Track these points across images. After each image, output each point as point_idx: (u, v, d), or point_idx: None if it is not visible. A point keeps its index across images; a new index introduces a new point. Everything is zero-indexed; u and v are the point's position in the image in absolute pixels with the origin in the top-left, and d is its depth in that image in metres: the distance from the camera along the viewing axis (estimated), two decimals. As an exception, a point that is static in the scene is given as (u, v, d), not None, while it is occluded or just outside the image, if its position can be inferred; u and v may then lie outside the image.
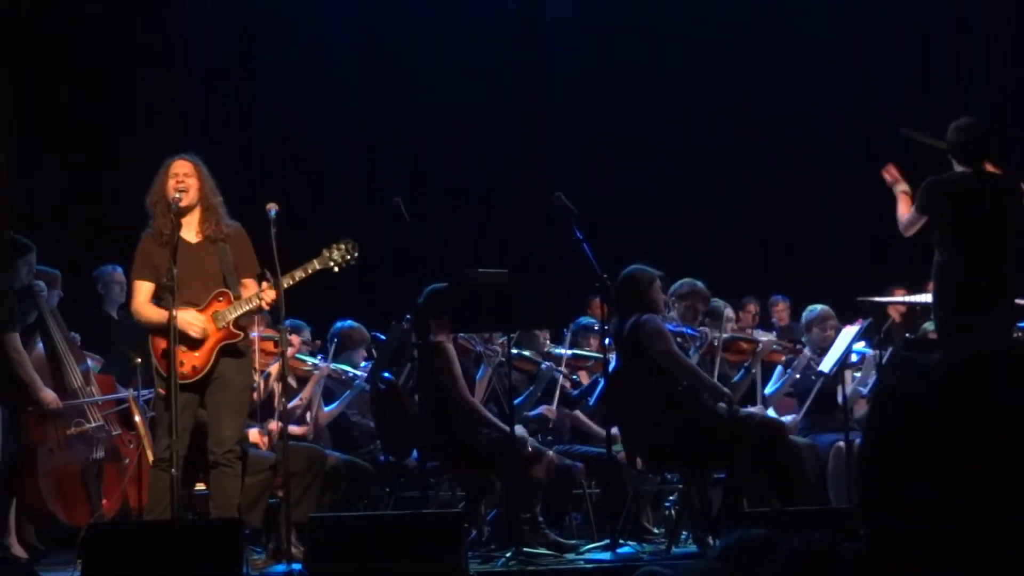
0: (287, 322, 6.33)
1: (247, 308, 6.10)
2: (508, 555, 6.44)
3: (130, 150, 9.94)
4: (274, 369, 7.05)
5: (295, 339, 7.31)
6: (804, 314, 8.47)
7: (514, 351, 7.34)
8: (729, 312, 8.31)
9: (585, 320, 8.70)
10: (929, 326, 7.75)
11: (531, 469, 6.89)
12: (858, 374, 8.18)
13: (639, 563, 6.32)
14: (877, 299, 8.46)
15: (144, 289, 6.14)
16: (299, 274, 6.09)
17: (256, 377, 7.01)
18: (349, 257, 6.23)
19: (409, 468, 7.41)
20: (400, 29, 11.63)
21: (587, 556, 6.82)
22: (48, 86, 9.85)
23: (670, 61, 11.93)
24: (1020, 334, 6.93)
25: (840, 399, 7.80)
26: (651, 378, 6.84)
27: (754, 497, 6.91)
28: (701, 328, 7.56)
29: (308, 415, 7.65)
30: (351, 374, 7.83)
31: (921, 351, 7.34)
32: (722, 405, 7.04)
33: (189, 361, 6.03)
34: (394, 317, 8.05)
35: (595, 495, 7.90)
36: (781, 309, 10.44)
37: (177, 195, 6.06)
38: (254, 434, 7.02)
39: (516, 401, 7.23)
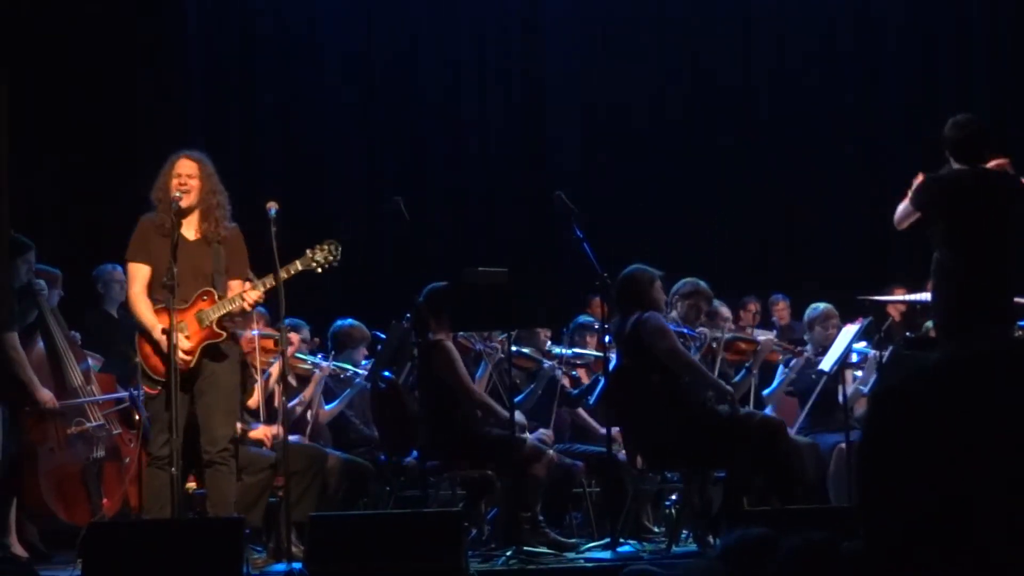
0: (286, 321, 6.33)
1: (229, 308, 6.10)
2: (508, 554, 6.44)
3: (130, 150, 9.94)
4: (275, 369, 7.05)
5: (295, 337, 7.31)
6: (807, 312, 8.48)
7: (513, 348, 7.34)
8: (726, 311, 8.31)
9: (583, 319, 8.71)
10: (930, 324, 7.75)
11: (531, 468, 6.90)
12: (859, 373, 8.19)
13: (639, 562, 6.33)
14: (877, 298, 8.47)
15: (141, 274, 6.12)
16: (282, 275, 6.04)
17: (257, 377, 7.02)
18: (332, 258, 6.20)
19: (409, 467, 7.41)
20: (400, 29, 11.63)
21: (587, 555, 6.82)
22: (48, 86, 9.85)
23: (670, 61, 11.93)
24: (1020, 333, 6.93)
25: (840, 398, 7.80)
26: (652, 377, 6.84)
27: (754, 496, 6.91)
28: (700, 329, 7.56)
29: (309, 414, 7.66)
30: (351, 372, 7.84)
31: (921, 350, 7.34)
32: (723, 405, 7.04)
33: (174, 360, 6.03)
34: (394, 316, 8.06)
35: (595, 494, 7.90)
36: (781, 308, 10.44)
37: (178, 195, 6.07)
38: (260, 431, 7.00)
39: (516, 399, 7.24)
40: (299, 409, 7.49)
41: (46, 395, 7.04)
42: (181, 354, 5.98)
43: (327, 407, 7.83)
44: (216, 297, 6.11)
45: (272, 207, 6.21)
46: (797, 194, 11.69)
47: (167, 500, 5.97)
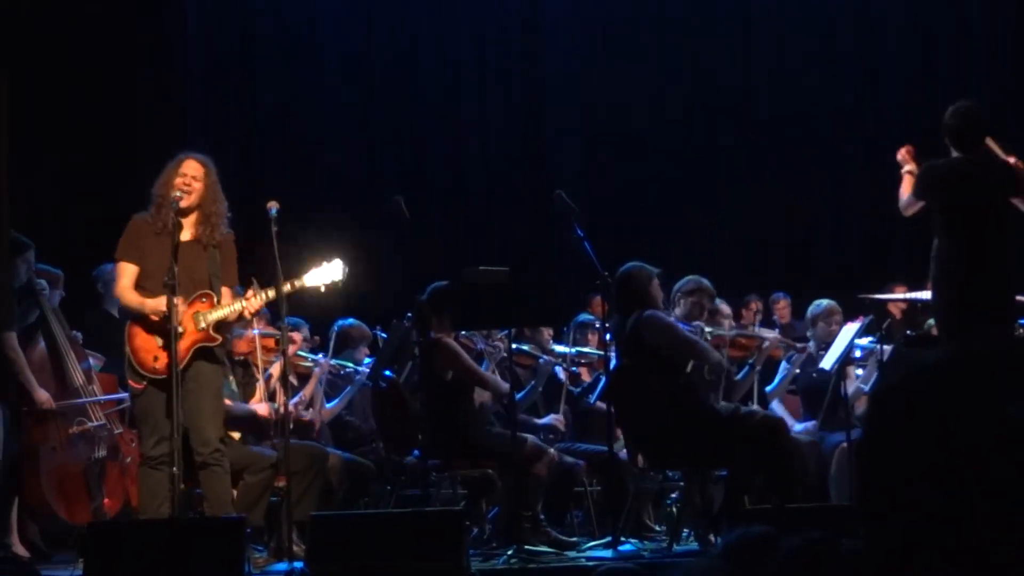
0: (286, 320, 6.34)
1: (227, 312, 6.12)
2: (509, 553, 6.44)
3: (130, 150, 9.95)
4: (275, 368, 7.05)
5: (296, 336, 7.32)
6: (810, 308, 8.48)
7: (513, 346, 7.34)
8: (726, 309, 8.32)
9: (584, 317, 8.72)
10: (931, 323, 7.75)
11: (532, 467, 6.90)
12: (860, 372, 8.19)
13: (641, 560, 6.34)
14: (878, 296, 8.48)
15: (129, 272, 6.14)
16: (286, 287, 6.14)
17: (259, 376, 7.03)
18: (338, 280, 6.31)
19: (410, 466, 7.42)
20: (400, 29, 11.64)
21: (588, 554, 6.83)
22: (48, 86, 9.86)
23: (670, 61, 11.93)
24: (1021, 331, 6.93)
25: (842, 395, 7.80)
26: (652, 376, 6.83)
27: (755, 495, 6.91)
28: (695, 323, 7.56)
29: (310, 412, 7.66)
30: (351, 369, 7.85)
31: (921, 348, 7.33)
32: (723, 403, 7.05)
33: (163, 358, 6.02)
34: (395, 315, 8.07)
35: (596, 493, 7.91)
36: (782, 307, 10.45)
37: (179, 194, 6.08)
38: (263, 408, 6.99)
39: (517, 396, 7.25)
40: (300, 407, 7.49)
41: (43, 395, 7.04)
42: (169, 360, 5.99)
43: (328, 405, 7.84)
44: (215, 301, 6.12)
45: (273, 206, 6.23)
46: (797, 194, 11.69)
47: (163, 499, 5.99)
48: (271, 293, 6.13)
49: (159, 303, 5.97)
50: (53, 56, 9.87)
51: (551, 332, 8.41)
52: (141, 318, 6.07)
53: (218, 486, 6.13)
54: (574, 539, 7.15)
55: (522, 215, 11.45)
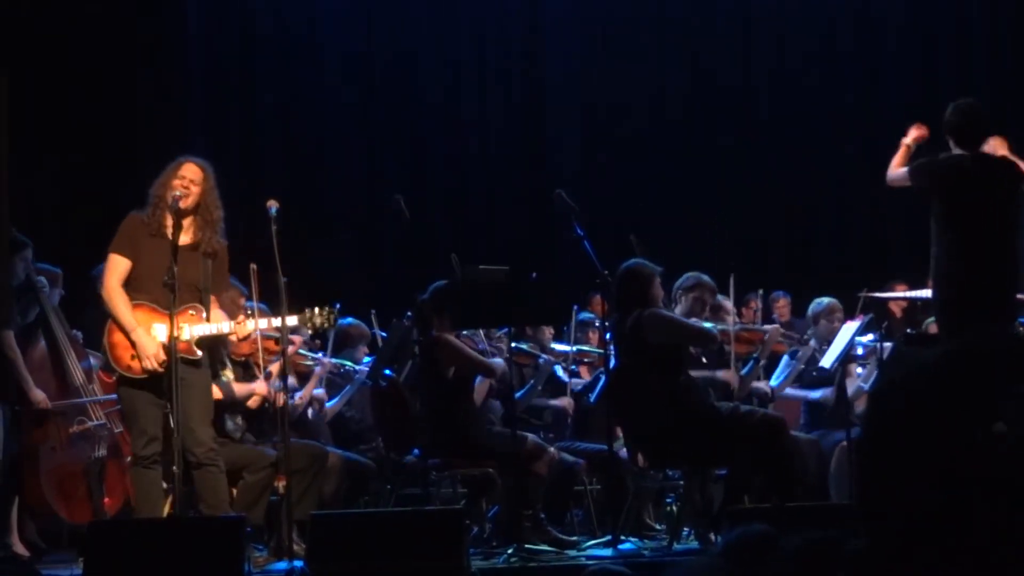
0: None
1: (213, 332, 6.13)
2: (509, 552, 6.44)
3: (130, 150, 9.95)
4: (275, 368, 7.05)
5: (296, 338, 7.32)
6: (811, 306, 8.49)
7: (512, 345, 7.34)
8: (729, 305, 8.31)
9: (583, 315, 8.72)
10: (931, 321, 7.75)
11: (533, 466, 6.90)
12: (861, 371, 8.19)
13: (641, 559, 6.34)
14: (878, 295, 8.48)
15: (121, 266, 6.11)
16: (274, 321, 6.26)
17: (259, 376, 7.03)
18: (328, 325, 6.42)
19: (410, 465, 7.42)
20: (400, 29, 11.63)
21: (589, 552, 6.82)
22: (48, 86, 9.85)
23: (670, 61, 11.93)
24: (1022, 330, 6.92)
25: (841, 393, 7.81)
26: (652, 375, 6.83)
27: (755, 494, 6.91)
28: (696, 320, 7.55)
29: (310, 412, 7.67)
30: (350, 368, 7.86)
31: (921, 347, 7.33)
32: (723, 403, 7.05)
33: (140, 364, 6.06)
34: (395, 315, 8.07)
35: (596, 491, 7.91)
36: (782, 305, 10.45)
37: (178, 194, 6.08)
38: (261, 385, 6.98)
39: (517, 395, 7.26)
40: (300, 406, 7.50)
41: (39, 395, 7.03)
42: (153, 361, 5.99)
43: (328, 404, 7.84)
44: (203, 316, 6.11)
45: (272, 206, 6.24)
46: (797, 194, 11.69)
47: (157, 499, 6.02)
48: (262, 323, 6.25)
49: (146, 345, 5.97)
50: (53, 56, 9.87)
51: (551, 331, 8.41)
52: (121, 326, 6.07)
53: (216, 486, 6.13)
54: (574, 538, 7.14)
55: (522, 215, 11.45)
